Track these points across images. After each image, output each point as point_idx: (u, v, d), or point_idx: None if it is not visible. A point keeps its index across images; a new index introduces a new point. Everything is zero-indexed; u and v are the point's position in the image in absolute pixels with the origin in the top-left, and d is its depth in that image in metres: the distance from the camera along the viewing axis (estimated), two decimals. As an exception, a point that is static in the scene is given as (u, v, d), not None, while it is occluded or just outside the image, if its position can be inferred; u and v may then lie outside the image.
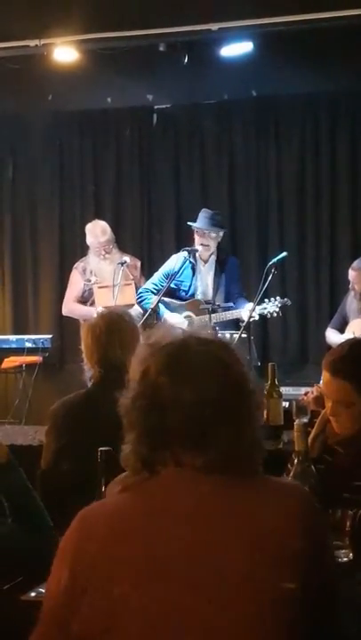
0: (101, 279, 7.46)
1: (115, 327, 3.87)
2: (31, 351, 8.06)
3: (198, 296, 7.12)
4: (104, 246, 7.49)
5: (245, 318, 6.54)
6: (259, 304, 6.68)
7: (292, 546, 1.79)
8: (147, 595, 1.76)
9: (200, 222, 7.15)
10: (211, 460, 1.86)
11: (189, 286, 7.13)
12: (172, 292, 7.11)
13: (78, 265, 7.73)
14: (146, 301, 7.00)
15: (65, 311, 7.82)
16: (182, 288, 7.14)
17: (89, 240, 7.58)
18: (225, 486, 1.86)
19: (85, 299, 7.60)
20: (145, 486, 1.89)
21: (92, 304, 7.45)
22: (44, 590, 2.39)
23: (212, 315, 6.87)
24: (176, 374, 1.89)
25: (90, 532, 1.87)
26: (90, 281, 7.55)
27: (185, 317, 7.04)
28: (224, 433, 1.87)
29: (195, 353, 1.92)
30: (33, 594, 2.40)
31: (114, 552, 1.82)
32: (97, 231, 7.54)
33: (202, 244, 7.10)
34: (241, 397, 1.92)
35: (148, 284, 7.21)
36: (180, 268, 7.06)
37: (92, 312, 7.09)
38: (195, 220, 7.22)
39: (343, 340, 3.69)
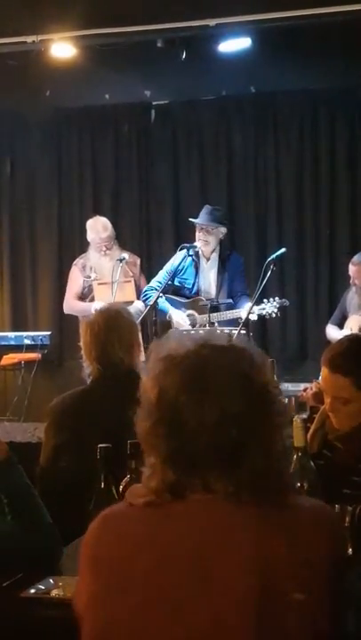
0: (101, 276, 7.45)
1: (113, 324, 3.86)
2: (30, 348, 8.05)
3: (202, 294, 7.12)
4: (105, 242, 7.47)
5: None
6: (257, 304, 6.68)
7: (316, 584, 1.76)
8: (153, 620, 1.75)
9: (200, 218, 7.16)
10: (242, 482, 1.78)
11: (193, 284, 7.14)
12: (176, 290, 7.13)
13: (78, 261, 7.71)
14: (150, 299, 6.99)
15: (66, 309, 7.82)
16: (186, 286, 7.14)
17: (90, 236, 7.56)
18: (253, 516, 1.79)
19: (85, 295, 7.59)
20: (171, 509, 1.82)
21: (92, 300, 7.44)
22: (43, 587, 2.40)
23: (214, 314, 6.87)
24: (196, 392, 1.79)
25: (109, 536, 1.85)
26: (89, 277, 7.53)
27: (188, 316, 7.04)
28: (254, 450, 1.79)
29: (213, 367, 1.82)
30: (32, 590, 2.39)
31: (129, 566, 1.80)
32: (98, 227, 7.52)
33: (201, 240, 7.10)
34: (267, 409, 1.83)
35: (153, 282, 7.22)
36: (180, 264, 7.06)
37: (92, 308, 7.10)
38: (195, 217, 7.22)
39: (342, 336, 3.69)
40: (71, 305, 7.69)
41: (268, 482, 1.81)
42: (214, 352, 1.85)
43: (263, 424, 1.82)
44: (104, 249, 7.47)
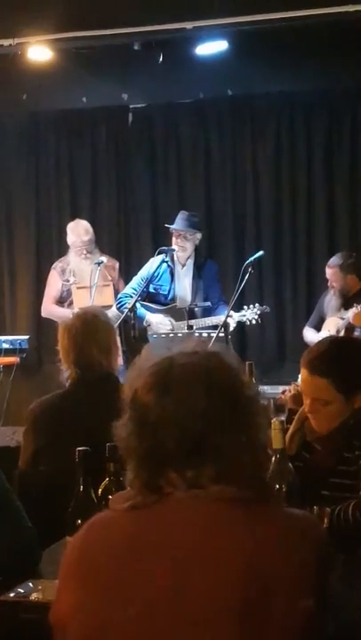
0: (81, 279, 7.43)
1: (91, 327, 3.86)
2: (8, 352, 8.03)
3: (177, 300, 7.10)
4: (86, 246, 7.46)
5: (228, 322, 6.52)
6: (238, 311, 6.69)
7: (300, 602, 1.76)
8: (141, 623, 1.75)
9: (176, 224, 7.16)
10: (219, 471, 1.82)
11: (168, 290, 7.12)
12: (152, 297, 7.10)
13: (57, 265, 7.69)
14: (125, 306, 6.97)
15: (44, 313, 7.79)
16: (161, 292, 7.12)
17: (71, 239, 7.53)
18: (236, 519, 1.81)
19: (64, 299, 7.57)
20: (155, 510, 1.84)
21: (70, 305, 7.43)
22: (23, 591, 2.40)
23: (192, 321, 6.85)
24: (161, 390, 1.85)
25: (95, 542, 1.86)
26: (68, 281, 7.51)
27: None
28: (221, 443, 1.83)
29: (178, 367, 1.88)
30: (12, 594, 2.39)
31: (116, 570, 1.80)
32: (80, 230, 7.51)
33: (179, 246, 7.09)
34: (232, 403, 1.86)
35: (128, 289, 7.18)
36: (156, 271, 7.03)
37: (71, 314, 7.06)
38: (172, 221, 7.22)
39: (320, 339, 3.70)
40: (49, 309, 7.66)
41: (238, 474, 1.84)
42: (181, 355, 1.91)
43: (229, 418, 1.85)
44: (85, 252, 7.45)
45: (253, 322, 6.82)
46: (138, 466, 1.87)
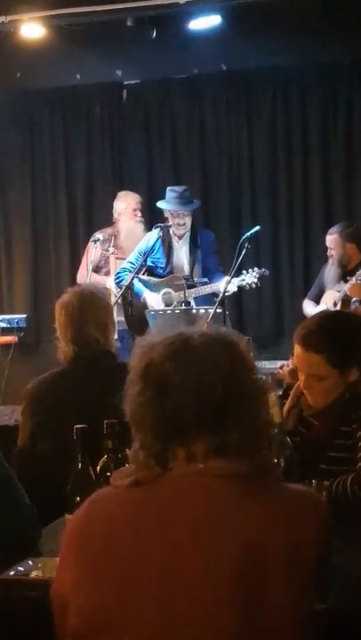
0: (133, 244, 7.33)
1: (88, 304, 3.85)
2: (6, 331, 8.03)
3: (175, 272, 7.08)
4: (140, 208, 7.54)
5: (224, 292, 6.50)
6: (237, 276, 6.67)
7: (299, 576, 1.77)
8: (141, 598, 1.76)
9: (171, 204, 7.08)
10: (226, 443, 1.83)
11: (166, 263, 7.10)
12: (149, 270, 7.08)
13: (97, 237, 7.60)
14: (125, 281, 6.96)
15: (80, 281, 7.59)
16: (159, 265, 7.10)
17: (122, 206, 7.58)
18: (237, 496, 1.82)
19: (100, 267, 7.53)
20: (156, 487, 1.85)
21: (107, 274, 7.41)
22: (23, 569, 2.41)
23: (191, 290, 6.84)
24: (181, 358, 1.86)
25: (96, 519, 1.87)
26: (108, 251, 7.46)
27: (164, 294, 6.99)
28: (237, 411, 1.84)
29: (195, 340, 1.89)
30: (12, 572, 2.40)
31: (116, 547, 1.81)
32: (134, 195, 7.64)
33: (177, 224, 7.06)
34: (249, 375, 1.89)
35: (125, 264, 7.15)
36: (154, 246, 7.01)
37: (106, 281, 7.09)
38: (164, 197, 7.18)
39: (315, 313, 3.70)
40: (86, 277, 7.51)
41: (253, 445, 1.86)
42: (196, 332, 1.92)
43: (246, 388, 1.87)
44: (139, 215, 7.51)
45: (253, 285, 6.80)
46: (148, 436, 1.86)
